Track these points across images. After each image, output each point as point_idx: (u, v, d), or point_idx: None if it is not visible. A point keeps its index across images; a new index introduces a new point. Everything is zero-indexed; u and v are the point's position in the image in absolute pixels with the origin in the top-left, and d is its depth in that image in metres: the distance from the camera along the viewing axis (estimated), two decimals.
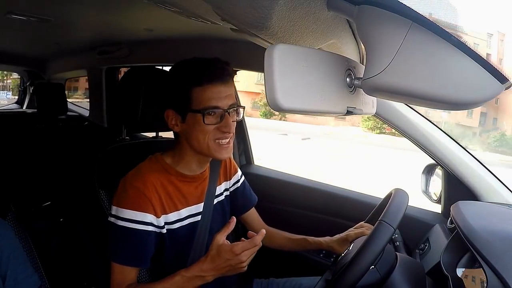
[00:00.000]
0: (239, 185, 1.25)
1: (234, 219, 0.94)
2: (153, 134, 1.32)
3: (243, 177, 1.28)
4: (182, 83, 0.96)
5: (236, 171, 1.25)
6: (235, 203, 1.24)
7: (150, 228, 0.96)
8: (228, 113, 0.97)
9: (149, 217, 0.96)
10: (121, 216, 0.94)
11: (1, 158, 2.10)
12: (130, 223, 0.94)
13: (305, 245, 1.22)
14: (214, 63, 0.96)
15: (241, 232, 1.34)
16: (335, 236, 1.17)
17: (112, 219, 0.96)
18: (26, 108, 3.13)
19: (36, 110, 2.47)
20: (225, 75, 0.96)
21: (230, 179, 1.23)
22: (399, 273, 0.85)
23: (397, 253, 0.93)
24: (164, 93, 1.02)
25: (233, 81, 1.01)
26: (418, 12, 0.43)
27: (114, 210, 0.96)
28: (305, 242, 1.22)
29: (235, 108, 1.00)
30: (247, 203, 1.27)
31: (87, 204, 1.58)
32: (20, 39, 2.07)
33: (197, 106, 0.95)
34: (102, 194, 1.11)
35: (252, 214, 1.28)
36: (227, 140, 0.98)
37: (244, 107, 1.06)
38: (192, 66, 0.97)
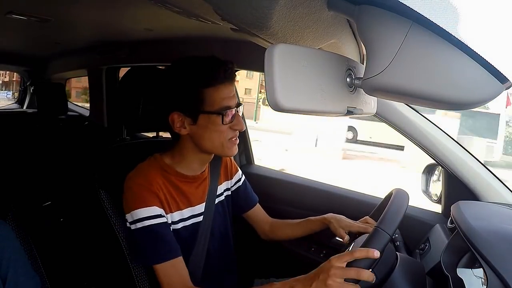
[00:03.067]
0: (240, 183, 1.25)
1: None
2: (154, 134, 1.32)
3: (243, 176, 1.28)
4: (192, 84, 0.95)
5: (237, 170, 1.25)
6: (238, 201, 1.24)
7: (164, 219, 0.96)
8: (237, 111, 0.99)
9: (159, 210, 0.95)
10: (137, 218, 0.94)
11: (1, 158, 2.10)
12: (148, 221, 0.93)
13: (310, 226, 1.20)
14: (223, 64, 0.96)
15: (243, 231, 1.34)
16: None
17: (132, 227, 0.95)
18: (26, 108, 3.13)
19: (36, 110, 2.47)
20: (233, 74, 0.98)
21: (232, 178, 1.23)
22: (400, 273, 0.85)
23: (397, 253, 0.93)
24: (168, 95, 0.99)
25: None
26: (419, 12, 0.43)
27: (130, 216, 0.95)
28: (310, 223, 1.20)
29: (238, 106, 1.02)
30: (249, 201, 1.27)
31: (87, 204, 1.58)
32: (20, 39, 2.07)
33: (212, 107, 0.95)
34: (102, 194, 1.11)
35: (257, 211, 1.28)
36: (237, 137, 1.01)
37: (242, 104, 1.07)
38: (201, 67, 0.95)
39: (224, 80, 0.95)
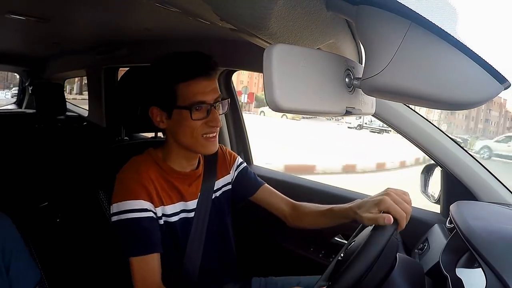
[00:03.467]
0: (241, 169, 1.23)
1: None
2: (152, 134, 1.32)
3: (244, 163, 1.26)
4: (165, 80, 0.96)
5: (235, 159, 1.24)
6: (240, 188, 1.21)
7: (150, 214, 0.96)
8: (214, 107, 0.98)
9: (146, 204, 0.96)
10: (122, 209, 0.94)
11: (0, 158, 2.10)
12: (132, 213, 0.94)
13: (334, 219, 1.05)
14: (197, 58, 0.96)
15: (242, 229, 1.34)
16: (359, 209, 0.92)
17: (115, 218, 0.95)
18: (24, 108, 3.13)
19: (35, 110, 2.47)
20: (209, 69, 0.97)
21: (230, 170, 1.21)
22: (398, 273, 0.85)
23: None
24: (147, 90, 1.02)
25: (216, 74, 1.02)
26: (417, 12, 0.43)
27: (115, 207, 0.95)
28: (334, 215, 1.05)
29: (221, 101, 1.01)
30: (252, 185, 1.22)
31: (86, 204, 1.58)
32: (19, 39, 2.07)
33: (183, 102, 0.95)
34: (101, 194, 1.11)
35: (265, 193, 1.21)
36: (214, 134, 0.99)
37: (229, 100, 1.06)
38: (175, 62, 0.97)
39: (197, 75, 0.95)
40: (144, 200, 0.96)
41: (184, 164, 1.06)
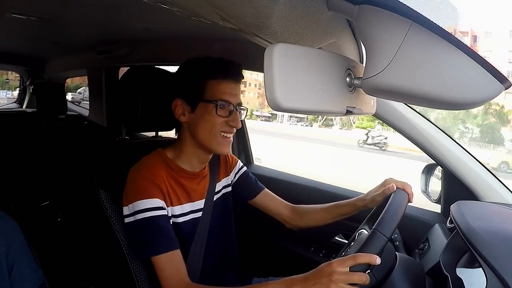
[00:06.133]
0: (240, 174, 1.26)
1: None
2: (153, 133, 1.32)
3: (244, 167, 1.28)
4: (197, 75, 1.02)
5: (236, 162, 1.26)
6: (241, 191, 1.24)
7: (165, 212, 0.98)
8: (236, 109, 1.02)
9: (161, 203, 0.97)
10: (137, 209, 0.94)
11: (1, 157, 2.10)
12: (148, 212, 0.94)
13: (340, 212, 1.16)
14: (230, 62, 1.03)
15: (243, 229, 1.34)
16: (367, 197, 1.09)
17: (130, 219, 0.95)
18: (25, 107, 3.13)
19: (36, 109, 2.47)
20: (238, 75, 1.04)
21: (231, 172, 1.24)
22: (399, 273, 0.85)
23: (396, 253, 0.93)
24: (175, 83, 1.06)
25: (241, 82, 1.07)
26: (418, 11, 0.43)
27: (130, 208, 0.95)
28: (339, 208, 1.16)
29: (241, 108, 1.05)
30: (252, 189, 1.25)
31: (87, 203, 1.58)
32: (20, 38, 2.07)
33: (210, 98, 1.00)
34: (102, 194, 1.11)
35: (266, 197, 1.25)
36: (231, 135, 1.03)
37: (247, 109, 1.11)
38: (209, 61, 1.03)
39: (227, 76, 1.01)
40: (159, 198, 0.97)
41: (195, 164, 1.08)
